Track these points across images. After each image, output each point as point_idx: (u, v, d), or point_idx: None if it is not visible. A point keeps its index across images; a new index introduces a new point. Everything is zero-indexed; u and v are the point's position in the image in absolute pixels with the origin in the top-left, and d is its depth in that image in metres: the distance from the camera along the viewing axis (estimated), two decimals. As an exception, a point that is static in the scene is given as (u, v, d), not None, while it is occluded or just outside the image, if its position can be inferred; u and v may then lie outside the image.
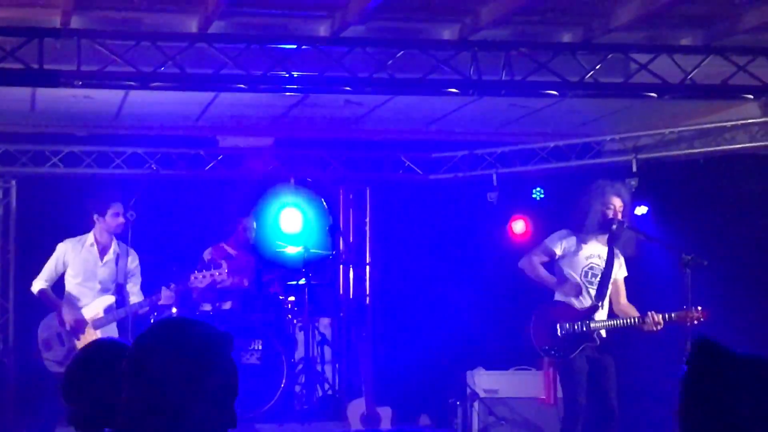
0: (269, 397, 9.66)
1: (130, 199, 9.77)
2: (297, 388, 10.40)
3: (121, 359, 3.04)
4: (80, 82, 7.73)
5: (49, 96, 10.00)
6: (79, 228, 9.49)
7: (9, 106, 10.52)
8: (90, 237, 9.37)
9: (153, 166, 11.27)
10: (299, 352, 10.58)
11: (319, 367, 10.65)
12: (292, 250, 10.97)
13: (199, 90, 9.06)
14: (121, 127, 11.45)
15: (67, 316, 9.09)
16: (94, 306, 9.12)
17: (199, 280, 9.34)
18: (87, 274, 9.29)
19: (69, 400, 3.42)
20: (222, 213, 11.22)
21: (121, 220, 9.26)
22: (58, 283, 9.41)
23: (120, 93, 9.91)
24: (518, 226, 11.74)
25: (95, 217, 9.33)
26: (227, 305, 10.35)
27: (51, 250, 9.45)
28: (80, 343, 8.88)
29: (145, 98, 10.02)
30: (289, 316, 10.57)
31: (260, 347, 9.89)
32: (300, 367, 10.52)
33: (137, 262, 9.39)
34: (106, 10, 7.94)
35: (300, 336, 10.65)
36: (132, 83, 7.96)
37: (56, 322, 9.15)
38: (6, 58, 7.53)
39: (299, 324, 10.66)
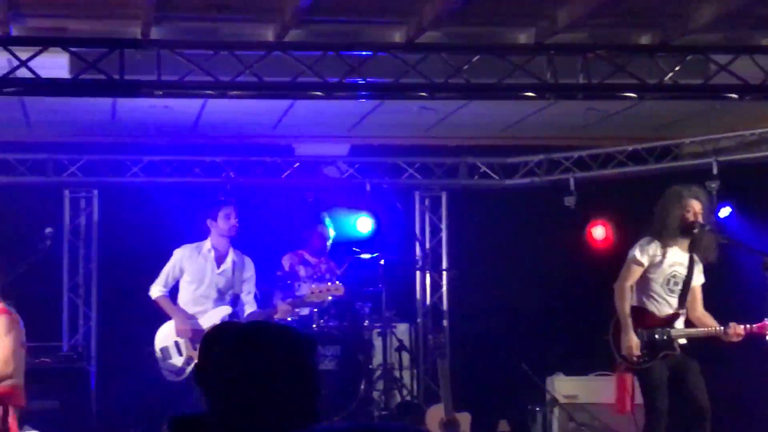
0: (348, 403, 9.68)
1: (209, 208, 9.87)
2: (375, 394, 10.42)
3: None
4: (160, 92, 7.83)
5: (129, 106, 10.16)
6: (160, 237, 9.60)
7: (91, 117, 10.71)
8: (207, 243, 9.42)
9: (231, 174, 11.37)
10: (377, 358, 10.59)
11: (397, 373, 10.65)
12: (369, 256, 10.99)
13: (275, 98, 9.13)
14: (199, 136, 11.59)
15: (184, 326, 9.09)
16: (212, 316, 9.11)
17: (317, 295, 9.36)
18: (203, 281, 9.31)
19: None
20: (299, 220, 11.28)
21: (233, 221, 9.32)
22: (173, 289, 9.48)
23: (198, 102, 10.03)
24: (598, 231, 11.68)
25: (209, 222, 9.38)
26: (305, 311, 10.38)
27: (132, 258, 9.55)
28: (196, 354, 8.93)
29: (222, 107, 10.13)
30: (367, 322, 10.58)
31: (338, 353, 9.92)
32: (378, 373, 10.54)
33: (252, 271, 9.43)
34: (185, 20, 8.04)
35: (378, 342, 10.67)
36: (210, 92, 8.04)
37: (173, 332, 9.17)
38: (88, 70, 7.65)
39: (377, 330, 10.67)
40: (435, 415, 9.73)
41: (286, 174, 11.92)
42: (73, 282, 11.68)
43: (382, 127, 11.40)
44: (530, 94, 8.29)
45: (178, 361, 9.07)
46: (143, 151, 11.70)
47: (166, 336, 9.19)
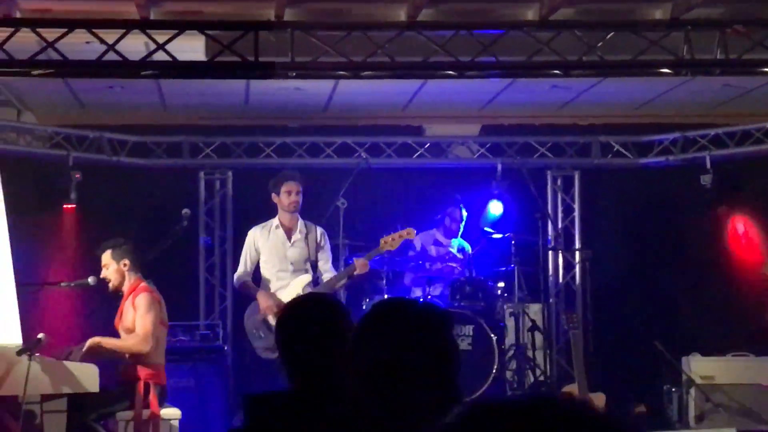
0: (481, 383, 9.66)
1: (340, 189, 9.94)
2: (508, 375, 10.38)
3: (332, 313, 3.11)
4: (294, 73, 7.91)
5: (261, 89, 10.30)
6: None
7: (224, 101, 10.88)
8: (275, 220, 9.48)
9: (363, 155, 11.44)
10: (510, 338, 10.55)
11: (530, 353, 10.60)
12: (501, 236, 10.95)
13: (407, 77, 9.15)
14: (330, 117, 11.69)
15: (267, 303, 9.16)
16: (293, 288, 9.17)
17: (389, 243, 9.38)
18: (278, 258, 9.36)
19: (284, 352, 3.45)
20: (430, 201, 11.29)
21: (293, 198, 9.32)
22: (256, 274, 9.57)
23: (329, 84, 10.12)
24: (739, 226, 11.49)
25: (273, 197, 9.44)
26: (437, 291, 10.40)
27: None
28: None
29: (353, 88, 10.19)
30: (500, 302, 10.55)
31: (471, 333, 9.90)
32: (511, 353, 10.50)
33: (326, 237, 9.45)
34: (318, 2, 8.10)
35: (510, 322, 10.63)
36: (343, 72, 8.10)
37: (259, 311, 9.28)
38: (223, 52, 7.77)
39: (509, 310, 10.63)
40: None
41: (416, 155, 11.95)
42: (209, 262, 11.90)
43: (514, 107, 11.35)
44: (666, 70, 8.17)
45: (269, 338, 9.16)
46: (276, 133, 11.86)
47: (253, 316, 9.30)
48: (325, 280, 9.28)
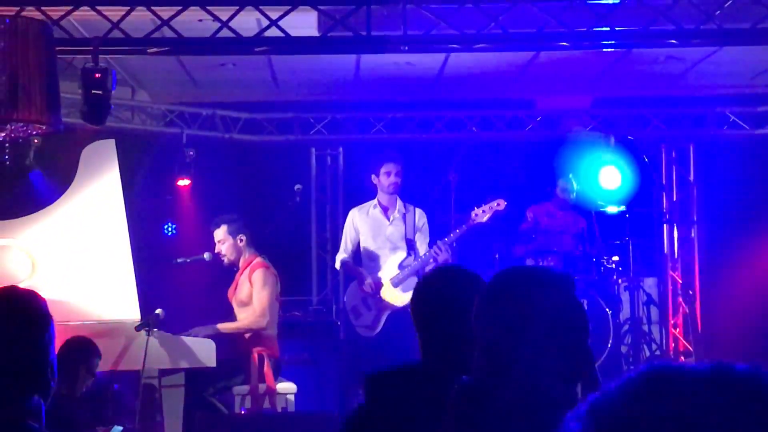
0: (596, 356, 9.58)
1: (450, 163, 9.89)
2: (623, 349, 10.28)
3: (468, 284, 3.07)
4: (406, 47, 7.87)
5: (372, 64, 10.28)
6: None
7: (335, 76, 10.89)
8: (374, 201, 9.44)
9: (474, 128, 11.37)
10: (624, 313, 10.43)
11: (645, 328, 10.48)
12: (615, 209, 10.82)
13: (521, 50, 9.06)
14: (441, 91, 11.63)
15: (367, 281, 9.18)
16: (389, 265, 9.17)
17: (480, 216, 9.27)
18: (377, 236, 9.33)
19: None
20: (541, 174, 11.19)
21: (393, 179, 9.27)
22: (356, 254, 9.58)
23: (440, 57, 10.05)
24: None
25: (373, 178, 9.40)
26: (550, 264, 10.31)
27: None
28: (385, 305, 9.03)
29: (464, 61, 10.12)
30: (614, 276, 10.43)
31: (585, 307, 9.79)
32: (626, 327, 10.39)
33: (425, 219, 9.38)
34: (430, -26, 8.04)
35: (625, 296, 10.50)
36: (456, 45, 8.04)
37: (359, 289, 9.29)
38: (336, 27, 7.76)
39: (624, 284, 10.51)
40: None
41: (528, 128, 11.85)
42: (322, 237, 11.95)
43: (627, 78, 11.17)
44: (786, 38, 7.95)
45: (369, 316, 9.14)
46: (386, 108, 11.85)
47: (353, 295, 9.27)
48: (418, 260, 9.23)
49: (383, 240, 9.29)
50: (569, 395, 2.55)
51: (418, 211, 9.38)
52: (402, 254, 9.16)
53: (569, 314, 2.59)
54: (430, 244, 9.26)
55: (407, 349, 6.84)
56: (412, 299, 3.50)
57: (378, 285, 9.04)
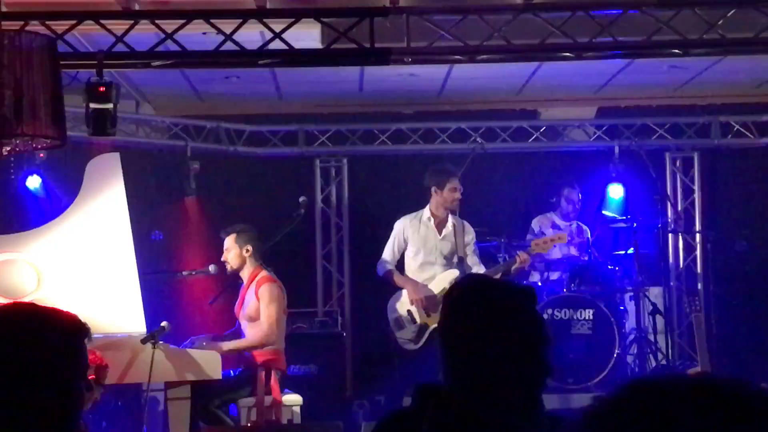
0: (602, 366, 9.56)
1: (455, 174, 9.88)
2: (629, 359, 10.26)
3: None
4: (410, 59, 7.90)
5: (376, 76, 10.31)
6: (408, 203, 9.66)
7: (339, 88, 10.92)
8: (426, 211, 9.35)
9: (478, 139, 11.37)
10: (630, 322, 10.42)
11: (651, 337, 10.44)
12: (619, 220, 10.82)
13: (524, 60, 9.06)
14: (445, 103, 11.66)
15: (416, 294, 9.07)
16: (441, 279, 9.10)
17: (541, 246, 9.35)
18: (427, 249, 9.28)
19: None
20: (546, 185, 11.19)
21: (458, 195, 9.22)
22: (400, 262, 9.53)
23: (443, 69, 10.08)
24: None
25: (433, 190, 9.28)
26: (555, 275, 10.31)
27: (381, 225, 9.62)
28: (431, 320, 8.99)
29: (467, 73, 10.15)
30: (619, 285, 10.42)
31: (591, 317, 9.80)
32: (632, 337, 10.37)
33: (473, 235, 9.38)
34: (433, -15, 8.08)
35: (630, 306, 10.49)
36: (459, 57, 8.06)
37: (406, 301, 9.23)
38: (339, 39, 7.79)
39: (629, 293, 10.50)
40: (692, 379, 9.49)
41: (532, 138, 11.86)
42: (326, 250, 11.96)
43: (631, 88, 11.19)
44: (789, 47, 7.97)
45: (412, 328, 9.10)
46: (390, 120, 11.87)
47: (398, 306, 9.22)
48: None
49: (435, 254, 9.24)
50: (531, 405, 2.60)
51: (467, 225, 9.35)
52: (454, 272, 9.09)
53: (528, 326, 2.64)
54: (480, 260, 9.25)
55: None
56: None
57: (431, 300, 8.99)
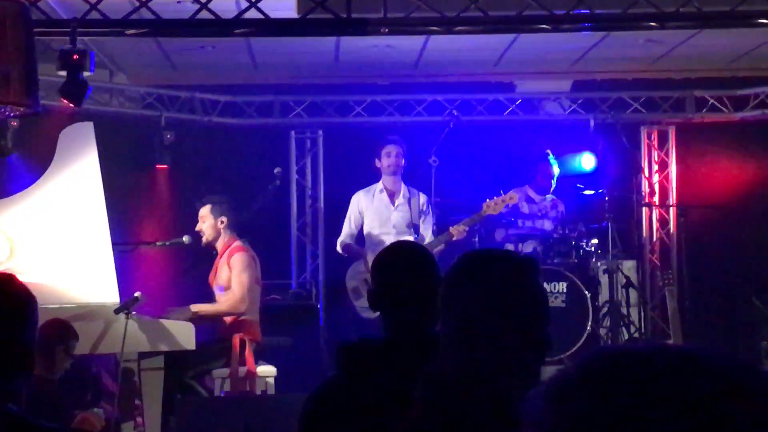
0: (575, 340, 9.59)
1: (432, 147, 9.87)
2: (602, 332, 10.29)
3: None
4: (386, 29, 7.84)
5: (352, 47, 10.26)
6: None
7: (315, 59, 10.86)
8: (379, 184, 9.51)
9: (454, 112, 11.34)
10: (603, 296, 10.45)
11: (624, 310, 10.47)
12: (593, 193, 10.82)
13: (501, 32, 9.02)
14: (421, 75, 11.62)
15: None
16: None
17: (492, 207, 9.36)
18: (381, 221, 9.41)
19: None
20: (521, 157, 11.19)
21: (393, 159, 9.36)
22: (359, 237, 9.57)
23: (419, 41, 10.04)
24: None
25: (376, 162, 9.50)
26: (529, 248, 10.32)
27: (356, 197, 9.63)
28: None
29: (444, 45, 10.11)
30: (593, 259, 10.44)
31: (564, 290, 9.82)
32: (605, 310, 10.40)
33: (429, 205, 9.47)
34: (410, -44, 8.01)
35: (604, 279, 10.51)
36: (436, 28, 8.01)
37: (362, 268, 9.28)
38: (316, 9, 7.73)
39: (603, 267, 10.52)
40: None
41: (508, 111, 11.85)
42: (301, 221, 11.94)
43: (606, 61, 11.18)
44: (765, 21, 7.95)
45: None
46: (366, 91, 11.83)
47: (355, 275, 9.31)
48: (426, 243, 9.24)
49: (388, 225, 9.35)
50: (531, 377, 2.57)
51: (422, 196, 9.45)
52: (409, 240, 9.12)
53: (532, 298, 2.60)
54: (434, 230, 9.27)
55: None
56: (372, 269, 3.54)
57: None
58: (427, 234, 9.36)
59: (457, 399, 2.49)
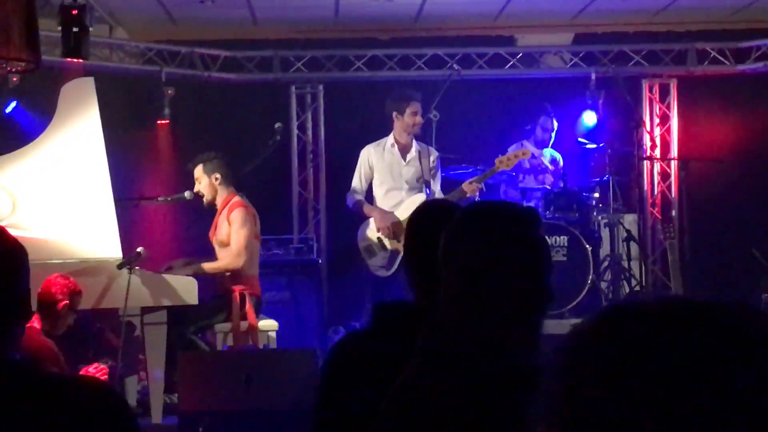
0: (577, 293, 9.62)
1: (432, 101, 9.85)
2: (603, 285, 10.32)
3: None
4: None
5: (352, 1, 10.23)
6: (383, 130, 9.63)
7: (314, 13, 10.83)
8: (390, 138, 9.37)
9: (454, 66, 11.31)
10: (605, 249, 10.47)
11: (625, 264, 10.49)
12: (595, 147, 10.82)
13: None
14: (421, 29, 11.59)
15: (383, 222, 9.11)
16: (408, 205, 9.11)
17: (505, 163, 9.35)
18: (393, 176, 9.32)
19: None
20: (522, 112, 11.17)
21: (419, 119, 9.23)
22: (369, 192, 9.54)
23: (420, -6, 10.03)
24: None
25: (394, 115, 9.32)
26: (531, 203, 10.32)
27: (357, 152, 9.59)
28: (401, 245, 9.02)
29: (444, -1, 10.09)
30: (594, 213, 10.46)
31: (566, 244, 9.84)
32: (606, 263, 10.43)
33: (438, 161, 9.43)
34: None
35: (605, 233, 10.53)
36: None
37: (374, 229, 9.27)
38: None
39: (604, 221, 10.54)
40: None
41: (508, 65, 11.81)
42: (302, 176, 11.93)
43: (607, 14, 11.14)
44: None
45: (383, 255, 9.15)
46: (366, 46, 11.79)
47: (368, 233, 9.26)
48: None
49: (399, 180, 9.26)
50: (532, 333, 2.57)
51: (432, 151, 9.35)
52: (421, 196, 9.11)
53: (533, 251, 2.59)
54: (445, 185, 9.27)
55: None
56: (407, 228, 3.46)
57: (397, 226, 9.01)
58: (436, 190, 9.32)
59: (458, 350, 2.50)
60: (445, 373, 2.49)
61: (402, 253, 8.88)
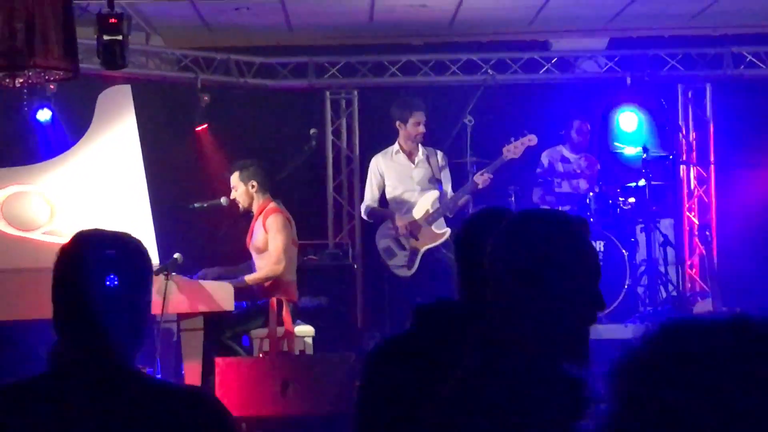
0: (613, 297, 9.58)
1: (466, 106, 9.85)
2: (640, 290, 10.28)
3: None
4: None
5: (386, 6, 10.24)
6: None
7: (349, 19, 10.85)
8: (395, 146, 9.45)
9: (489, 71, 11.30)
10: (641, 254, 10.43)
11: (662, 269, 10.45)
12: (631, 151, 10.79)
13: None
14: (455, 34, 11.58)
15: (400, 223, 9.19)
16: (422, 204, 9.18)
17: (512, 151, 9.33)
18: (403, 180, 9.37)
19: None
20: (557, 116, 11.14)
21: (421, 129, 9.29)
22: (383, 200, 9.57)
23: (454, 0, 10.01)
24: None
25: (398, 124, 9.42)
26: (566, 207, 10.31)
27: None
28: (419, 243, 9.10)
29: (478, 3, 10.07)
30: (631, 217, 10.42)
31: (602, 249, 9.81)
32: (642, 268, 10.39)
33: (446, 161, 9.46)
34: None
35: (641, 237, 10.49)
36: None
37: (391, 230, 9.31)
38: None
39: (641, 225, 10.50)
40: (703, 310, 9.54)
41: (543, 70, 11.79)
42: (337, 182, 11.96)
43: (643, 18, 11.09)
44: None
45: (404, 254, 9.19)
46: (400, 51, 11.80)
47: (385, 236, 9.30)
48: (448, 198, 9.27)
49: (411, 182, 9.32)
50: (580, 340, 2.57)
51: (438, 152, 9.42)
52: (434, 193, 9.19)
53: (584, 258, 2.59)
54: (462, 180, 9.29)
55: (444, 288, 6.90)
56: (464, 240, 3.46)
57: (414, 225, 9.07)
58: (448, 188, 9.36)
59: (505, 362, 2.50)
60: (490, 387, 2.48)
61: (422, 251, 9.01)
